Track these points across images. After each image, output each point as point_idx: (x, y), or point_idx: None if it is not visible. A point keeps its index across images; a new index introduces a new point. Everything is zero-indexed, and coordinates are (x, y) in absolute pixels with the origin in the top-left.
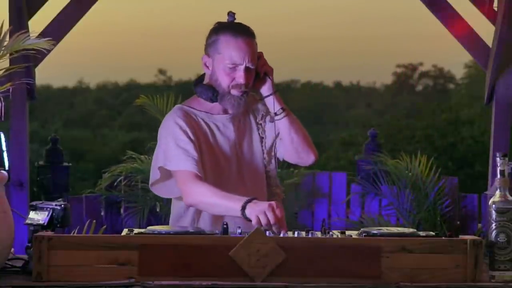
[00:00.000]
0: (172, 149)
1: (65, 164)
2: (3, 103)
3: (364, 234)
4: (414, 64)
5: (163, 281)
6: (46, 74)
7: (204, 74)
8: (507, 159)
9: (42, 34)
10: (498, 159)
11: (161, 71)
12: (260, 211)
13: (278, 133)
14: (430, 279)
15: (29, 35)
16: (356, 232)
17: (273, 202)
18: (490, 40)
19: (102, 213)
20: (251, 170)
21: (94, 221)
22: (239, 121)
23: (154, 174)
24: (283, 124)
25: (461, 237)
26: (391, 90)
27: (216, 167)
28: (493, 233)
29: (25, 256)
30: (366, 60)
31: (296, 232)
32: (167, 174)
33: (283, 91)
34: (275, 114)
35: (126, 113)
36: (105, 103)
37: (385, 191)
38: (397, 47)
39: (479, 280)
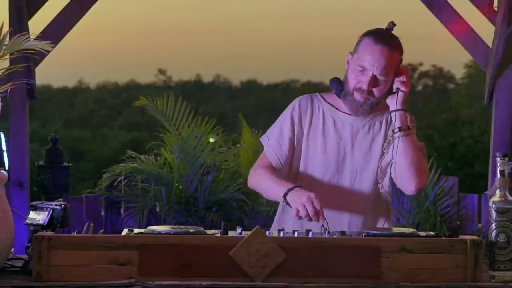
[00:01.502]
0: (275, 129)
1: (65, 164)
2: (1, 103)
3: (364, 234)
4: (413, 64)
5: (163, 281)
6: (46, 74)
7: None
8: (507, 159)
9: (42, 34)
10: (498, 159)
11: (161, 71)
12: (299, 204)
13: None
14: (430, 279)
15: (29, 37)
16: (356, 232)
17: (312, 194)
18: (490, 40)
19: (102, 213)
20: (358, 178)
21: (92, 224)
22: (363, 126)
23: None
24: (396, 144)
25: (461, 237)
26: None
27: (323, 157)
28: (493, 233)
29: (25, 256)
30: None
31: (296, 232)
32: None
33: (283, 91)
34: (393, 131)
35: (126, 113)
36: (105, 103)
37: None
38: None
39: (479, 280)
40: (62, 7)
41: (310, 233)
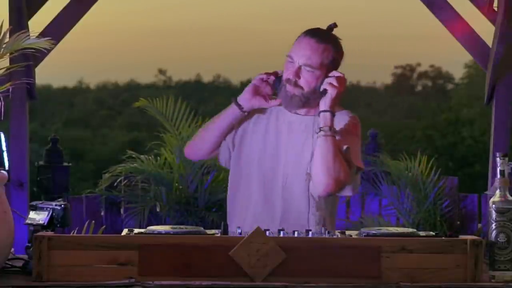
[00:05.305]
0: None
1: (65, 164)
2: (3, 103)
3: (364, 234)
4: (413, 64)
5: (163, 281)
6: (46, 74)
7: None
8: (507, 159)
9: (42, 34)
10: (498, 159)
11: (161, 71)
12: (253, 86)
13: None
14: (430, 279)
15: (29, 35)
16: (356, 232)
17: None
18: (490, 40)
19: (102, 213)
20: (294, 175)
21: (94, 221)
22: (299, 123)
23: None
24: (316, 144)
25: (461, 237)
26: (391, 90)
27: (262, 145)
28: (493, 233)
29: (25, 256)
30: (366, 60)
31: (296, 232)
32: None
33: None
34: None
35: (126, 113)
36: (105, 103)
37: (385, 191)
38: (397, 47)
39: (479, 280)
40: (62, 7)
41: (310, 233)
